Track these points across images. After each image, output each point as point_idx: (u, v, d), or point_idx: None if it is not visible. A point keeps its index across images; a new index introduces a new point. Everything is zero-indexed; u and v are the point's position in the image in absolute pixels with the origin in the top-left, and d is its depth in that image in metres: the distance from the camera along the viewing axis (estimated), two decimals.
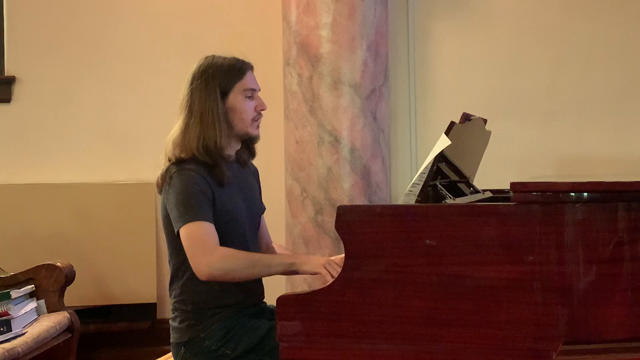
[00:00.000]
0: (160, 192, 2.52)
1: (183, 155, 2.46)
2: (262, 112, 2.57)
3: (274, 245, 2.79)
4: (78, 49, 4.41)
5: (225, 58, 2.55)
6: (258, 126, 2.57)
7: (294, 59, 3.97)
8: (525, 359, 2.07)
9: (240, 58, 2.57)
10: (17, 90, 4.39)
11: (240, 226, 2.52)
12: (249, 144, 2.61)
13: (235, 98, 2.51)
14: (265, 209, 2.76)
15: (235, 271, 2.37)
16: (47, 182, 4.29)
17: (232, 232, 2.47)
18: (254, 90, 2.54)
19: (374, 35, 3.98)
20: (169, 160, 2.49)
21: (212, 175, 2.46)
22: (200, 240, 2.37)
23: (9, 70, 4.39)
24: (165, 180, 2.46)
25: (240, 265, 2.37)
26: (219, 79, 2.50)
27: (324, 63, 3.91)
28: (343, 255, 2.20)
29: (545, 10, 4.31)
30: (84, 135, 4.41)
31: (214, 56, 2.57)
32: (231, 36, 4.34)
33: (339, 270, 2.22)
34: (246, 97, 2.52)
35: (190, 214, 2.38)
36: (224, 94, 2.50)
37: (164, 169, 2.49)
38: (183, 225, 2.39)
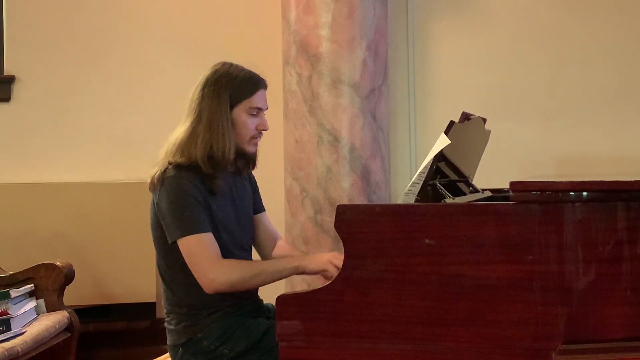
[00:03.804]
0: (151, 190, 2.51)
1: (182, 161, 2.45)
2: (262, 131, 2.57)
3: (282, 243, 2.78)
4: (78, 49, 4.41)
5: (242, 70, 2.54)
6: (255, 144, 2.57)
7: (294, 58, 3.97)
8: (524, 359, 2.07)
9: (256, 74, 2.56)
10: (17, 89, 4.39)
11: (229, 235, 2.52)
12: (245, 157, 2.60)
13: (240, 113, 2.51)
14: (264, 209, 2.76)
15: (241, 282, 2.38)
16: (47, 181, 4.28)
17: (219, 240, 2.45)
18: (260, 109, 2.54)
19: (374, 35, 3.98)
20: (168, 163, 2.48)
21: (205, 184, 2.45)
22: (202, 254, 2.37)
23: (8, 70, 4.39)
24: (160, 182, 2.45)
25: (246, 275, 2.38)
26: (230, 90, 2.49)
27: (324, 62, 3.90)
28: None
29: (545, 10, 4.31)
30: (83, 135, 4.41)
31: (231, 64, 2.56)
32: (231, 36, 4.35)
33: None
34: (250, 114, 2.52)
35: (188, 226, 2.38)
36: (231, 106, 2.49)
37: (160, 171, 2.48)
38: (181, 237, 2.39)
